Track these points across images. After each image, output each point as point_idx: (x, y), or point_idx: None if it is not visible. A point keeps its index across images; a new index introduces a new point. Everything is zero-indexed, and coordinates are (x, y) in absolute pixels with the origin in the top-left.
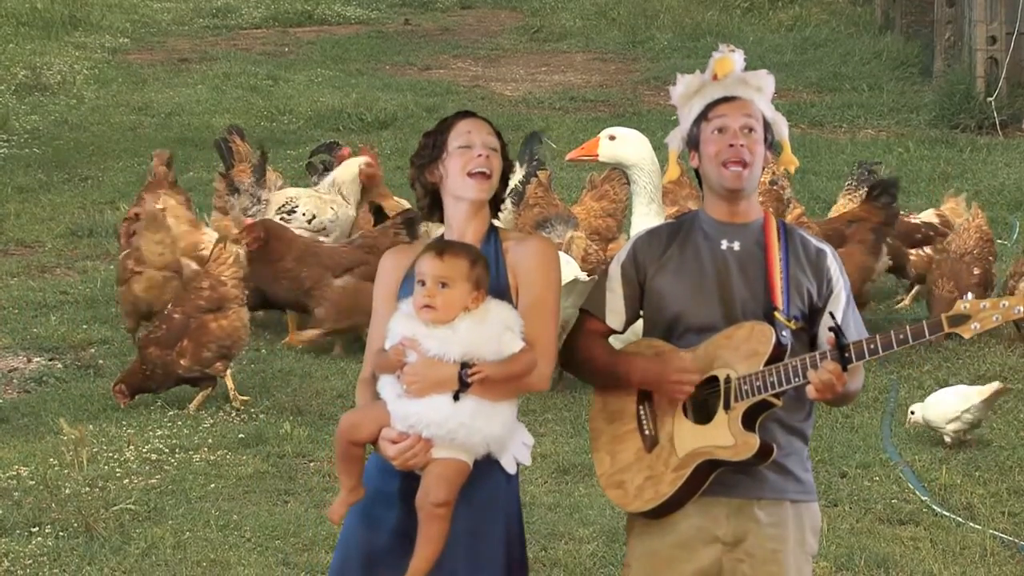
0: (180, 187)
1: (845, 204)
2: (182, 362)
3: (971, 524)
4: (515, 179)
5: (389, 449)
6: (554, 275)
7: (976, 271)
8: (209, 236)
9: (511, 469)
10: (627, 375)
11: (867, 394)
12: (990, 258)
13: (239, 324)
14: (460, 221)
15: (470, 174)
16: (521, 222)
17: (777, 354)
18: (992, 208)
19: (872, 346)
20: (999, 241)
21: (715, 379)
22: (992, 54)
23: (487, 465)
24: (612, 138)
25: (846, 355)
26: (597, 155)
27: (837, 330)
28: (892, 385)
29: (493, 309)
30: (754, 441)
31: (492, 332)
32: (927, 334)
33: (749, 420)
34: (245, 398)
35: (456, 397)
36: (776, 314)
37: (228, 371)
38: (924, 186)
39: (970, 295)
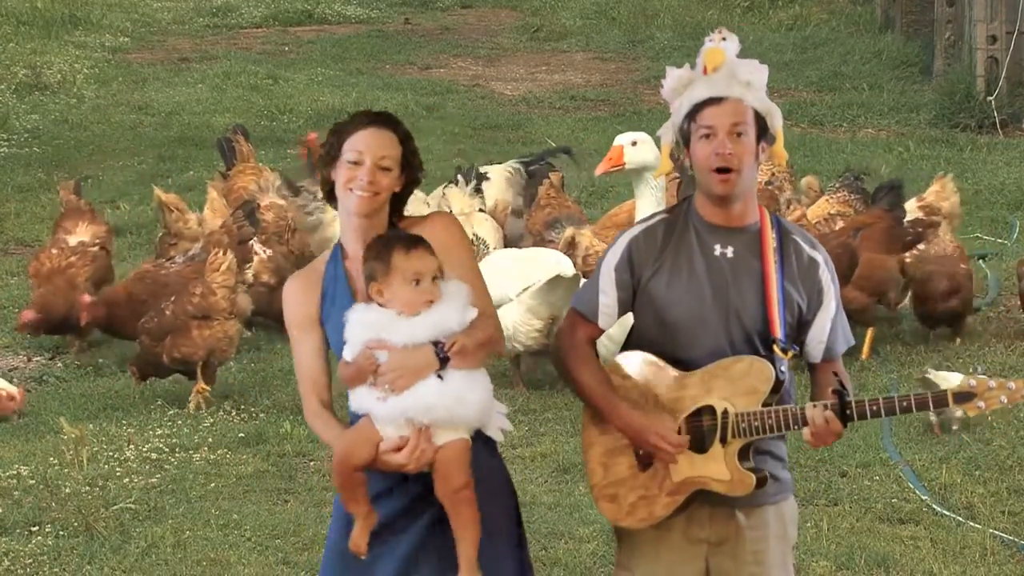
0: (98, 214)
1: (822, 206)
2: (165, 357)
3: (971, 523)
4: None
5: (397, 457)
6: (467, 242)
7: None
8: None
9: (499, 437)
10: (609, 417)
11: (867, 394)
12: (962, 264)
13: (221, 336)
14: (356, 224)
15: (351, 190)
16: (531, 223)
17: (774, 389)
18: (992, 208)
19: (875, 408)
20: (999, 241)
21: (711, 408)
22: (992, 53)
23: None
24: (634, 144)
25: (847, 412)
26: (624, 163)
27: (840, 391)
28: (892, 385)
29: (447, 285)
30: (750, 480)
31: (454, 307)
32: (931, 407)
33: (743, 450)
34: (206, 387)
35: (440, 376)
36: (775, 347)
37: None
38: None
39: (980, 368)
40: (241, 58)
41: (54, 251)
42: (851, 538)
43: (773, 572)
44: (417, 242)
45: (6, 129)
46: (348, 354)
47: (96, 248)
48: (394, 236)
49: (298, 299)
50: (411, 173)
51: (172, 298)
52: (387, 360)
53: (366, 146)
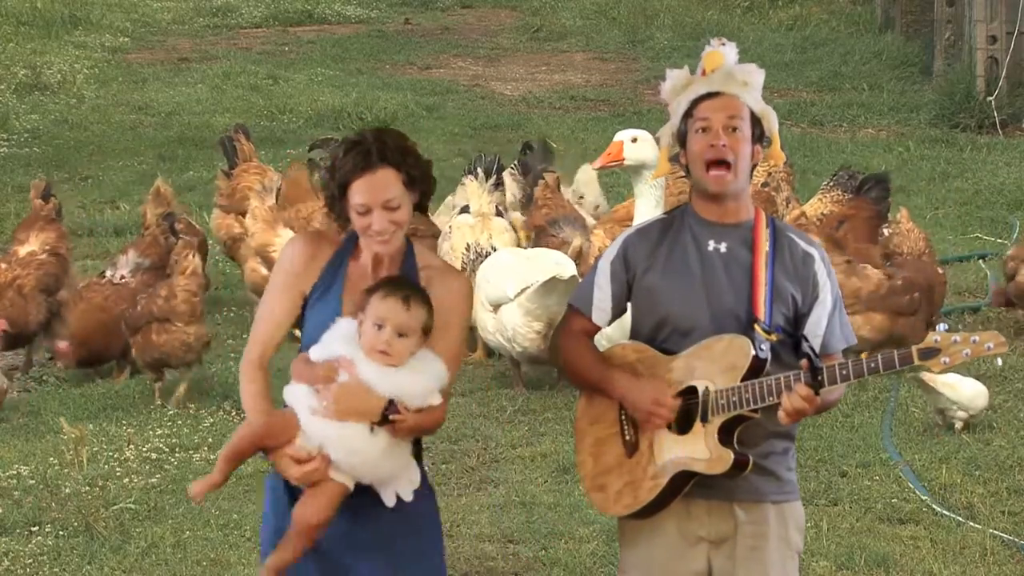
0: (58, 221)
1: (815, 204)
2: (134, 351)
3: (971, 524)
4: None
5: (292, 468)
6: (468, 311)
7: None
8: (282, 237)
9: (390, 502)
10: (607, 389)
11: (867, 393)
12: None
13: (177, 344)
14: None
15: (369, 236)
16: (529, 223)
17: (755, 367)
18: (992, 208)
19: (844, 372)
20: (999, 241)
21: (695, 389)
22: (992, 53)
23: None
24: (635, 140)
25: (819, 379)
26: (623, 159)
27: (810, 356)
28: (892, 385)
29: (429, 361)
30: (728, 457)
31: (424, 384)
32: (897, 365)
33: (727, 431)
34: (124, 375)
35: (372, 430)
36: (756, 326)
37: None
38: (924, 185)
39: (944, 326)
40: (241, 58)
41: (2, 265)
42: (851, 538)
43: (771, 571)
44: (399, 290)
45: (6, 129)
46: (315, 354)
47: (44, 255)
48: (389, 280)
49: (302, 257)
50: (421, 185)
51: (149, 290)
52: (342, 384)
53: (368, 196)
